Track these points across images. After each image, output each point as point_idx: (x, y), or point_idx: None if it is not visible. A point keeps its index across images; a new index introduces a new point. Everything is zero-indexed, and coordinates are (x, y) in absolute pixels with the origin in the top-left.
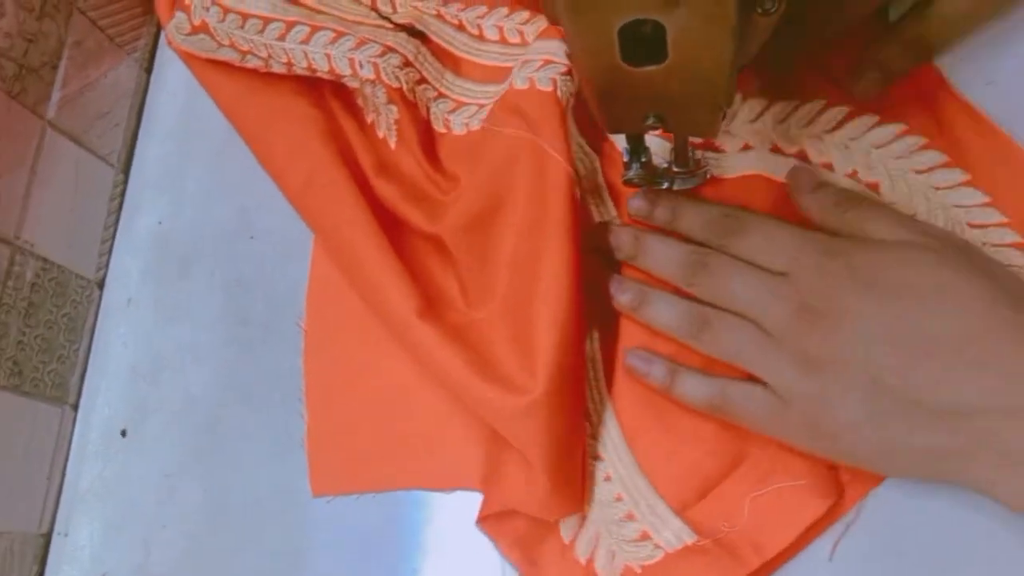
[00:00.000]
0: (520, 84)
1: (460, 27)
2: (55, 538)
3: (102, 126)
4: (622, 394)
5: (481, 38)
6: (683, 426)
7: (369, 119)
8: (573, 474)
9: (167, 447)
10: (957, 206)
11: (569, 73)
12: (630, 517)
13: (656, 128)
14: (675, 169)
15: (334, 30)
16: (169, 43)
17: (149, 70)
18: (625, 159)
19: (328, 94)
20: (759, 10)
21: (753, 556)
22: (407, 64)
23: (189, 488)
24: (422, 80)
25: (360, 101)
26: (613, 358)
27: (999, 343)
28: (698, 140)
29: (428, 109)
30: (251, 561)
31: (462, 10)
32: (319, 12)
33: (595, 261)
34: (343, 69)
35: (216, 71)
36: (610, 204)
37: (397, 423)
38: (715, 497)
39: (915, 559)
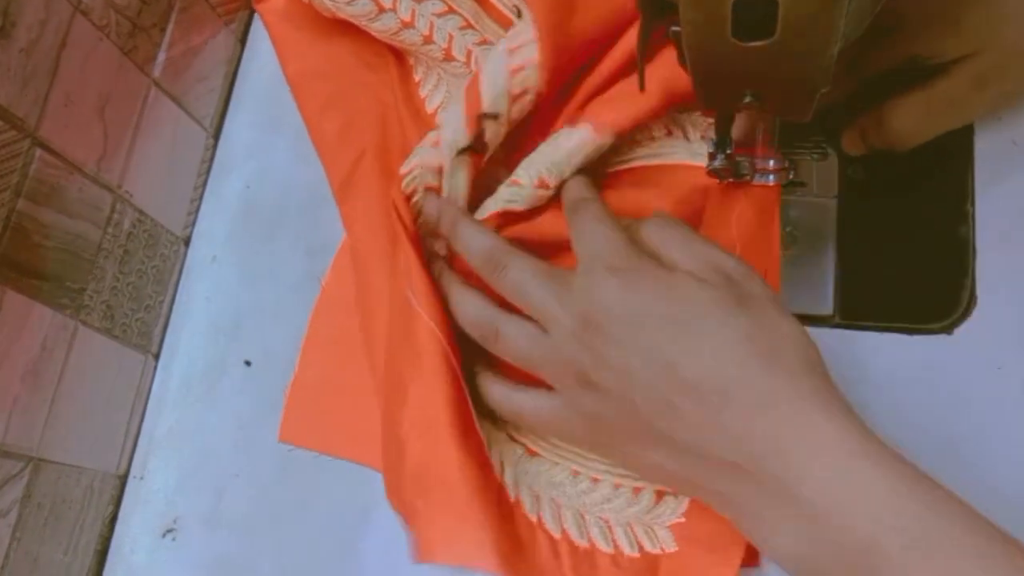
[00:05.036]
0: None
1: None
2: (131, 481)
3: (199, 90)
4: None
5: None
6: None
7: (431, 108)
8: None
9: (243, 400)
10: None
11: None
12: (636, 490)
13: (752, 107)
14: (758, 165)
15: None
16: (256, 5)
17: (243, 41)
18: (710, 150)
19: (396, 81)
20: None
21: None
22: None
23: (262, 440)
24: (483, 41)
25: (424, 92)
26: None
27: (739, 399)
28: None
29: None
30: (319, 513)
31: None
32: None
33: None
34: (441, 42)
35: (295, 42)
36: None
37: (372, 402)
38: None
39: None
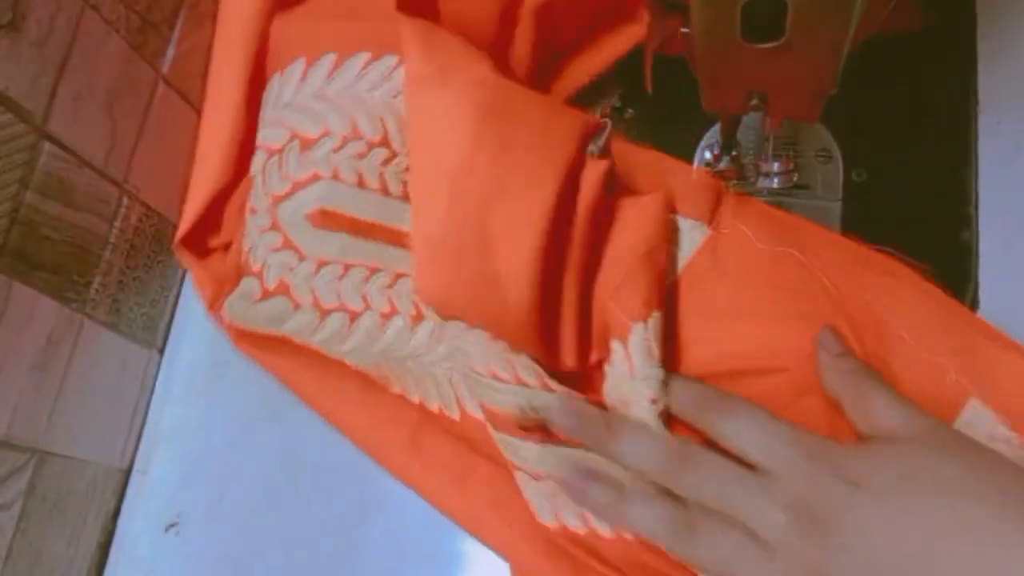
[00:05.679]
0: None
1: None
2: (134, 475)
3: (205, 87)
4: None
5: None
6: None
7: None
8: None
9: (247, 396)
10: None
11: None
12: None
13: (759, 109)
14: (762, 168)
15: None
16: (221, 322)
17: None
18: (715, 152)
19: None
20: None
21: None
22: None
23: (267, 437)
24: None
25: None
26: None
27: (1013, 539)
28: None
29: None
30: (321, 511)
31: None
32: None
33: None
34: (407, 310)
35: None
36: None
37: None
38: None
39: None
